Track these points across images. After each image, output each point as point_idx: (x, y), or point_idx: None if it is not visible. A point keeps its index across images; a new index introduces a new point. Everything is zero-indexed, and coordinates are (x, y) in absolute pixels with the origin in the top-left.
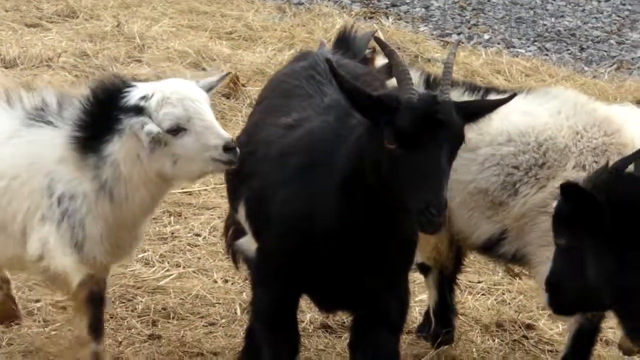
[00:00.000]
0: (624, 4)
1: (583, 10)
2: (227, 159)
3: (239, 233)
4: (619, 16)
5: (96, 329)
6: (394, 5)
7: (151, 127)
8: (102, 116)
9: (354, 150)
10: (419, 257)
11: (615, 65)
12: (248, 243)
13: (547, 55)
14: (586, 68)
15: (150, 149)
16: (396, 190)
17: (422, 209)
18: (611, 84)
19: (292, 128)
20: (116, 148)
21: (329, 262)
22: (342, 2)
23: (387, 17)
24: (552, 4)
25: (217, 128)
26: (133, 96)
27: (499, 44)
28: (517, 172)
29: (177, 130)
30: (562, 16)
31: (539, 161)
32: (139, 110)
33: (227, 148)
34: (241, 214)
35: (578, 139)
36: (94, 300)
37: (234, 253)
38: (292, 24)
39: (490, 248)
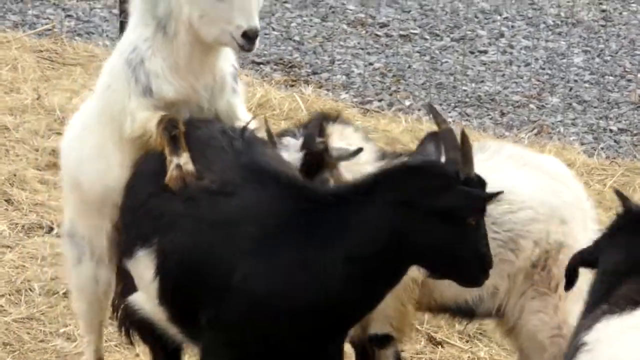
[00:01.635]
0: (544, 69)
1: (503, 75)
2: (241, 44)
3: (130, 288)
4: (538, 80)
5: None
6: (314, 73)
7: None
8: None
9: (386, 228)
10: (383, 328)
11: (535, 130)
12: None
13: (468, 120)
14: (507, 133)
15: None
16: (458, 260)
17: (484, 269)
18: (532, 149)
19: (223, 195)
20: None
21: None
22: (262, 70)
23: (308, 85)
24: (472, 69)
25: (252, 12)
26: None
27: (419, 110)
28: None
29: None
30: (482, 81)
31: None
32: None
33: (247, 36)
34: (146, 267)
35: None
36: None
37: (125, 318)
38: None
39: (474, 308)
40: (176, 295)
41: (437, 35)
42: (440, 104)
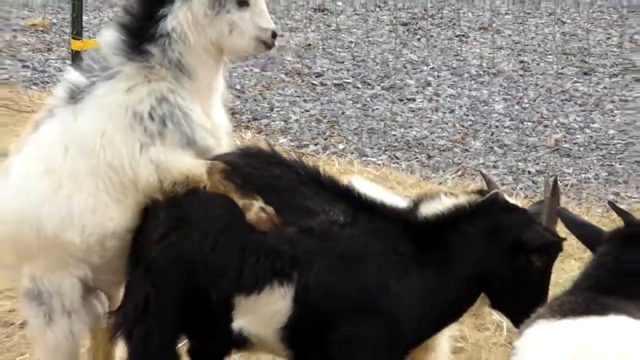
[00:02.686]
0: (467, 115)
1: (429, 121)
2: (271, 43)
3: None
4: (462, 126)
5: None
6: (255, 119)
7: None
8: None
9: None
10: None
11: (459, 172)
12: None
13: (397, 163)
14: (433, 175)
15: (215, 12)
16: (515, 295)
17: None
18: (456, 189)
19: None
20: (179, 18)
21: None
22: None
23: (248, 130)
24: (401, 115)
25: (269, 15)
26: None
27: (352, 153)
28: None
29: (242, 2)
30: (410, 127)
31: None
32: None
33: (275, 34)
34: (278, 299)
35: None
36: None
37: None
38: None
39: None
40: (307, 321)
41: (369, 84)
42: (372, 148)
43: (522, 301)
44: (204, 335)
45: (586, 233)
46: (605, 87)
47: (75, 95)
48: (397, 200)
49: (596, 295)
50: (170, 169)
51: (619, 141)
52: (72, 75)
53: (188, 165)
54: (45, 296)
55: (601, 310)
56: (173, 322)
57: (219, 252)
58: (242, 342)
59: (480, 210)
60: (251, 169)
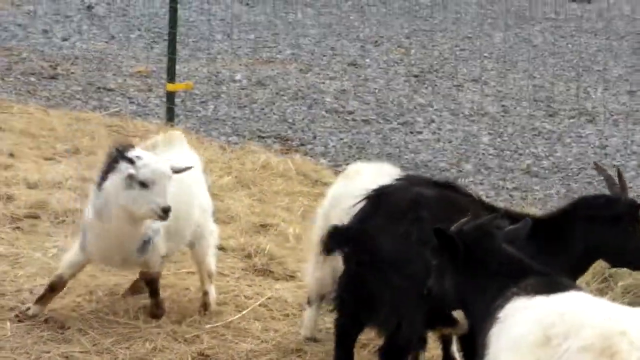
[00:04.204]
0: (461, 145)
1: (433, 149)
2: (163, 216)
3: None
4: (458, 152)
5: None
6: (302, 145)
7: (132, 171)
8: (110, 163)
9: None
10: None
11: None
12: None
13: None
14: None
15: (126, 186)
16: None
17: None
18: None
19: None
20: (108, 183)
21: None
22: (266, 142)
23: (297, 153)
24: (411, 144)
25: (165, 196)
26: (132, 153)
27: None
28: None
29: (144, 184)
30: (418, 152)
31: None
32: (131, 162)
33: (165, 210)
34: None
35: None
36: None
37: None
38: (230, 158)
39: None
40: None
41: (388, 120)
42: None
43: (632, 253)
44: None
45: None
46: (565, 126)
47: None
48: None
49: (554, 277)
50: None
51: (575, 166)
52: None
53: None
54: None
55: (564, 288)
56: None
57: None
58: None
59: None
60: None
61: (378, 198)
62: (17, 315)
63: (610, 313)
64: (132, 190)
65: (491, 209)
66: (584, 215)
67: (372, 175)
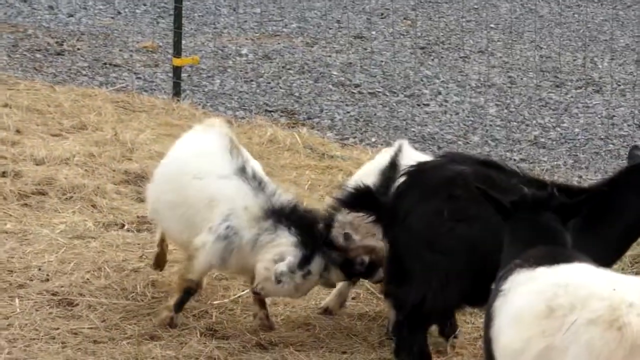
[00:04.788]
0: (468, 117)
1: (440, 121)
2: None
3: None
4: (465, 124)
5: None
6: (309, 118)
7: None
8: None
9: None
10: None
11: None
12: None
13: None
14: None
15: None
16: None
17: None
18: None
19: None
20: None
21: None
22: (272, 116)
23: (304, 127)
24: (418, 116)
25: None
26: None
27: (382, 144)
28: None
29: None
30: (425, 125)
31: None
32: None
33: None
34: None
35: None
36: None
37: None
38: (237, 132)
39: None
40: None
41: (395, 93)
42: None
43: None
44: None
45: None
46: (572, 97)
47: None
48: None
49: (558, 248)
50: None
51: (582, 137)
52: None
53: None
54: None
55: (567, 259)
56: None
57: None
58: None
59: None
60: None
61: (415, 175)
62: (169, 325)
63: (617, 284)
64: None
65: (538, 184)
66: (636, 186)
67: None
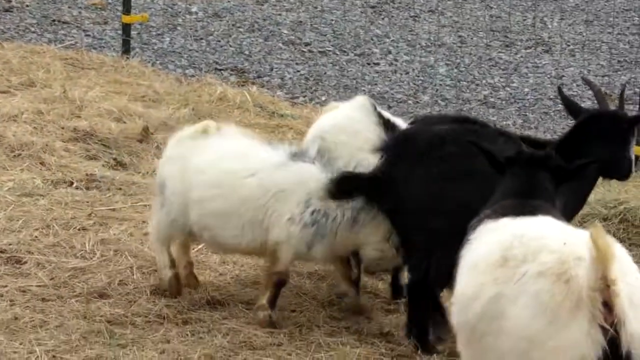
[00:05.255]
0: (418, 76)
1: (390, 80)
2: None
3: None
4: (415, 84)
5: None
6: (259, 77)
7: None
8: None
9: None
10: None
11: (412, 119)
12: None
13: None
14: None
15: None
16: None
17: None
18: None
19: None
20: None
21: None
22: (222, 74)
23: (254, 85)
24: (368, 75)
25: None
26: None
27: (331, 102)
28: None
29: None
30: (375, 84)
31: None
32: None
33: None
34: None
35: None
36: None
37: None
38: (187, 90)
39: None
40: None
41: (345, 52)
42: (346, 99)
43: None
44: None
45: None
46: (521, 56)
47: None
48: None
49: (528, 201)
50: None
51: (531, 97)
52: None
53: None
54: None
55: (533, 212)
56: None
57: None
58: None
59: None
60: None
61: (399, 143)
62: (270, 324)
63: (569, 238)
64: None
65: (509, 137)
66: (596, 133)
67: (349, 107)
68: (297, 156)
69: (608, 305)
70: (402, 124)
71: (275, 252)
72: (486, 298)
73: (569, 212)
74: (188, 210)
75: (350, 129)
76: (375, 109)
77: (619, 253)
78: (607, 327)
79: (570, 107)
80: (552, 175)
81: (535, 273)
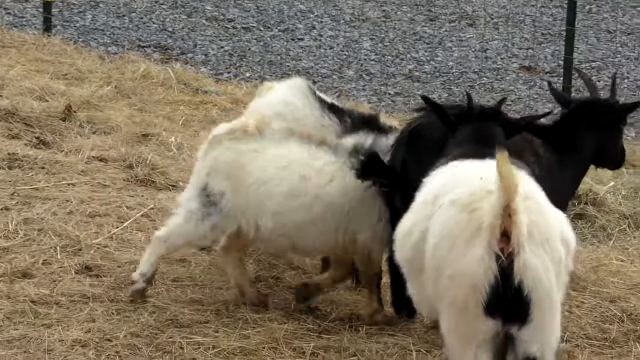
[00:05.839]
0: (343, 51)
1: (315, 56)
2: None
3: None
4: (339, 59)
5: None
6: (183, 54)
7: None
8: None
9: None
10: None
11: (337, 94)
12: None
13: None
14: None
15: None
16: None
17: None
18: None
19: None
20: None
21: None
22: (145, 51)
23: (177, 62)
24: (293, 51)
25: None
26: None
27: (257, 79)
28: None
29: None
30: (300, 60)
31: None
32: None
33: None
34: None
35: None
36: None
37: None
38: (110, 68)
39: None
40: None
41: (269, 28)
42: (271, 76)
43: None
44: None
45: None
46: (446, 30)
47: None
48: None
49: (480, 147)
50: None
51: (456, 71)
52: None
53: None
54: None
55: (484, 157)
56: None
57: None
58: None
59: None
60: None
61: (413, 137)
62: (389, 323)
63: (487, 174)
64: None
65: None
66: (587, 120)
67: (285, 91)
68: (353, 154)
69: (507, 236)
70: (342, 105)
71: (368, 254)
72: (417, 233)
73: (563, 197)
74: (251, 220)
75: (291, 117)
76: (315, 93)
77: (529, 187)
78: (501, 254)
79: (560, 98)
80: (502, 128)
81: (448, 204)
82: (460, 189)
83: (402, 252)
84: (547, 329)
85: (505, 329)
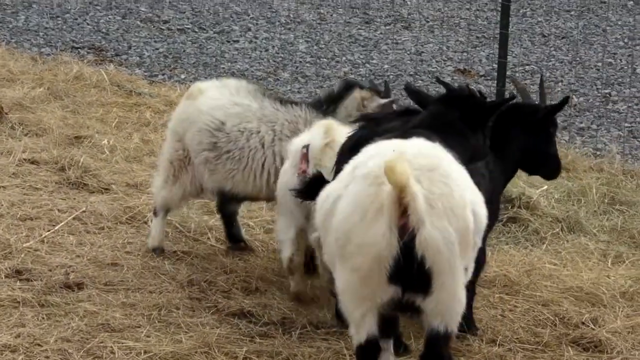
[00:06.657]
0: (278, 53)
1: (250, 58)
2: None
3: None
4: (274, 61)
5: None
6: (117, 55)
7: None
8: None
9: None
10: None
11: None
12: None
13: None
14: None
15: None
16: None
17: None
18: None
19: None
20: None
21: None
22: (79, 53)
23: (111, 63)
24: (228, 53)
25: None
26: None
27: (191, 81)
28: None
29: None
30: (235, 62)
31: None
32: None
33: None
34: None
35: None
36: None
37: None
38: (42, 70)
39: None
40: None
41: (204, 29)
42: (206, 77)
43: None
44: None
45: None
46: (381, 33)
47: None
48: None
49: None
50: None
51: (392, 74)
52: None
53: None
54: None
55: (408, 135)
56: None
57: None
58: None
59: None
60: None
61: (354, 149)
62: None
63: (400, 148)
64: None
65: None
66: (517, 122)
67: (216, 91)
68: None
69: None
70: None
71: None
72: (331, 199)
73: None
74: None
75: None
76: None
77: (435, 159)
78: (402, 231)
79: (418, 97)
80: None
81: (360, 176)
82: (372, 160)
83: (318, 215)
84: (449, 298)
85: (407, 297)
